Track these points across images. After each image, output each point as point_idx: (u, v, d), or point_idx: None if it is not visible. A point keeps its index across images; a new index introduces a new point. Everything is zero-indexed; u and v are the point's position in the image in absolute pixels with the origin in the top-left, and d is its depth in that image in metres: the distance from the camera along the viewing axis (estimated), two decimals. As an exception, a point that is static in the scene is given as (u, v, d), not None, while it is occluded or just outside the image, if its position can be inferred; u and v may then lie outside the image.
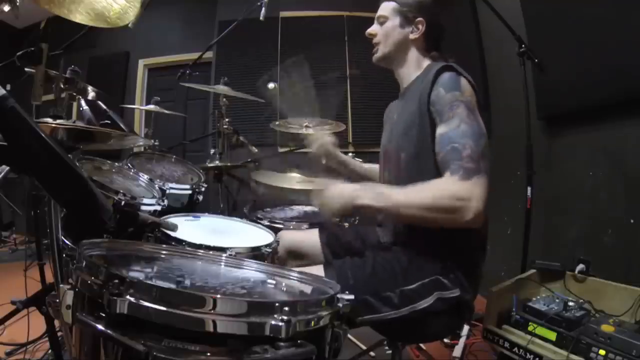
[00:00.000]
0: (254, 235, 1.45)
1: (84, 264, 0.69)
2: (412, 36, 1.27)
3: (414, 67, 1.29)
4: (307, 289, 0.92)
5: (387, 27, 1.29)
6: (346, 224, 1.80)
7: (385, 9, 1.30)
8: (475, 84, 1.15)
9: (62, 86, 1.34)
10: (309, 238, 1.47)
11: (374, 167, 1.59)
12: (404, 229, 1.20)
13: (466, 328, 2.09)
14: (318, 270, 1.15)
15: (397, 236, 1.24)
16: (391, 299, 1.09)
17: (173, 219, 1.28)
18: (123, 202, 1.49)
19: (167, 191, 1.87)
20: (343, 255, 1.33)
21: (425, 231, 1.08)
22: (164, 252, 1.01)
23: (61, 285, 0.69)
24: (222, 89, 2.35)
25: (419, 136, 1.14)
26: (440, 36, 1.31)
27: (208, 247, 1.16)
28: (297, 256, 1.44)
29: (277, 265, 1.26)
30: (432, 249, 1.12)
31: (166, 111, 2.74)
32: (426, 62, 1.28)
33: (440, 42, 1.31)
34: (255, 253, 1.24)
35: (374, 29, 1.32)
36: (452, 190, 1.00)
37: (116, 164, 1.90)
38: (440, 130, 1.08)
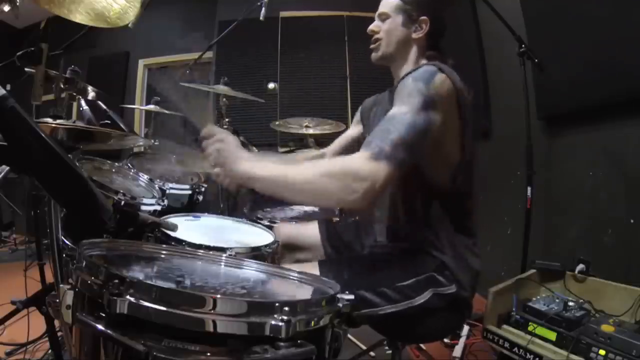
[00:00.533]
0: (254, 235, 1.45)
1: (84, 264, 0.69)
2: (415, 35, 1.23)
3: (412, 66, 1.26)
4: (307, 288, 0.93)
5: (389, 25, 1.24)
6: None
7: (386, 5, 1.26)
8: (477, 85, 1.13)
9: (62, 86, 1.34)
10: (305, 231, 1.46)
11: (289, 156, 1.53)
12: (400, 227, 1.20)
13: (466, 328, 2.09)
14: (313, 267, 1.14)
15: (393, 234, 1.24)
16: (386, 294, 1.08)
17: (173, 219, 1.28)
18: (123, 202, 1.49)
19: (167, 191, 1.87)
20: (342, 250, 1.33)
21: (420, 229, 1.08)
22: (164, 252, 1.00)
23: (61, 285, 0.69)
24: (222, 89, 2.35)
25: None
26: (441, 34, 1.27)
27: (208, 247, 1.16)
28: (293, 249, 1.43)
29: (277, 264, 1.26)
30: (427, 246, 1.12)
31: (166, 111, 2.74)
32: (422, 62, 1.25)
33: (440, 40, 1.28)
34: (255, 253, 1.24)
35: (377, 25, 1.28)
36: (354, 165, 0.92)
37: (116, 164, 1.90)
38: (389, 111, 1.02)
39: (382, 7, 1.27)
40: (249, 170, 0.99)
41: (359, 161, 0.93)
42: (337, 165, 0.96)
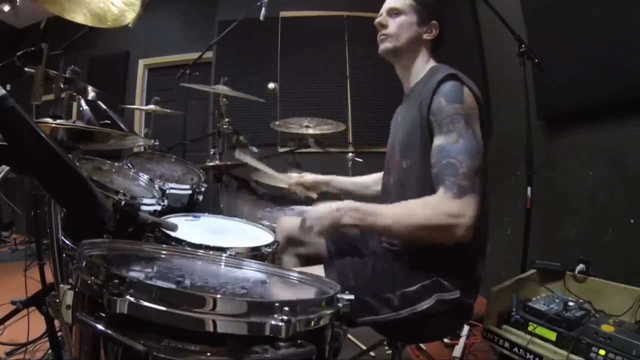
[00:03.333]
0: (254, 235, 1.45)
1: (84, 264, 0.69)
2: (425, 36, 1.26)
3: (420, 67, 1.27)
4: (308, 289, 0.92)
5: (402, 22, 1.25)
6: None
7: (399, 1, 1.27)
8: (477, 85, 1.14)
9: (62, 86, 1.34)
10: None
11: (359, 181, 1.61)
12: None
13: (466, 328, 2.09)
14: (319, 270, 1.14)
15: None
16: (392, 301, 1.09)
17: (173, 219, 1.28)
18: (123, 202, 1.49)
19: (167, 191, 1.87)
20: (345, 249, 1.33)
21: None
22: (164, 252, 1.01)
23: (61, 285, 0.69)
24: (222, 89, 2.35)
25: (421, 145, 1.14)
26: (444, 42, 1.30)
27: (208, 247, 1.16)
28: (296, 243, 1.43)
29: (277, 262, 1.26)
30: (433, 251, 1.11)
31: (167, 110, 2.74)
32: (431, 64, 1.27)
33: (442, 47, 1.31)
34: (255, 253, 1.24)
35: (386, 19, 1.28)
36: (446, 208, 1.00)
37: (116, 164, 1.90)
38: (437, 142, 1.08)
39: (394, 3, 1.27)
40: (356, 222, 1.07)
41: (446, 201, 1.00)
42: (432, 210, 1.02)
